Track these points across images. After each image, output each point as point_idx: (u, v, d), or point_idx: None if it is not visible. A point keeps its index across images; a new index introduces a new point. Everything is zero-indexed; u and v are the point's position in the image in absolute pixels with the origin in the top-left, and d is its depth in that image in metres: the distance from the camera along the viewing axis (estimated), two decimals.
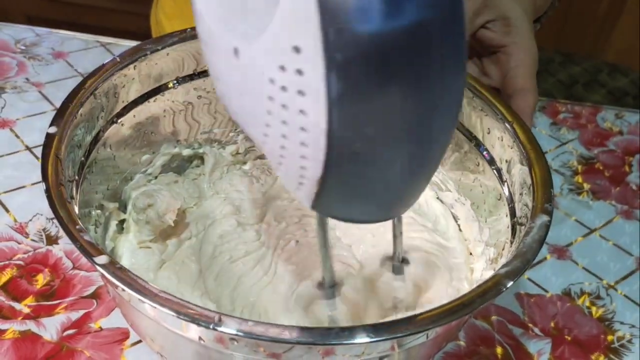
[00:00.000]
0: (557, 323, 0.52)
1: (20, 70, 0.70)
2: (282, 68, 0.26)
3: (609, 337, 0.52)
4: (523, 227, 0.39)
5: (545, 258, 0.58)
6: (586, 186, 0.66)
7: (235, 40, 0.27)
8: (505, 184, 0.45)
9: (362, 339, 0.31)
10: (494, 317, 0.52)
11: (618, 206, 0.64)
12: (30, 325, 0.47)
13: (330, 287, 0.41)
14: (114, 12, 1.56)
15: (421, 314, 0.32)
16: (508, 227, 0.43)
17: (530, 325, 0.52)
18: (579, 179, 0.66)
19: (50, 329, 0.47)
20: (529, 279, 0.55)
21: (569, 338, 0.51)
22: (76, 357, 0.45)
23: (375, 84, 0.25)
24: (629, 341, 0.52)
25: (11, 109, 0.65)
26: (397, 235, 0.42)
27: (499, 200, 0.46)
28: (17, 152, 0.60)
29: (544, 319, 0.52)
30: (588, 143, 0.71)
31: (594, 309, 0.54)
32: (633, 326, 0.53)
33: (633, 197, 0.65)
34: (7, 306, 0.48)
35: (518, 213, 0.42)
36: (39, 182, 0.58)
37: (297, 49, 0.25)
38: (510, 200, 0.44)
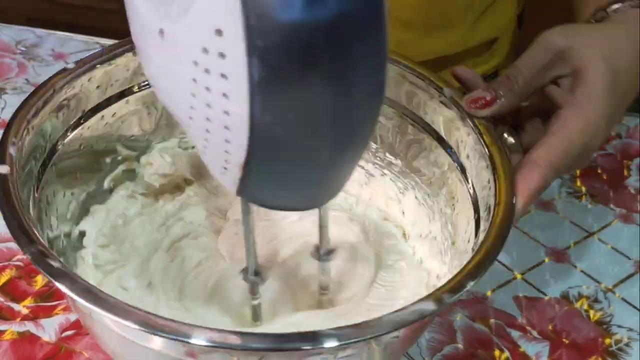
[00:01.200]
0: (555, 326, 0.52)
1: (20, 71, 0.70)
2: (205, 50, 0.26)
3: (607, 341, 0.52)
4: (486, 223, 0.39)
5: (543, 261, 0.58)
6: (585, 189, 0.66)
7: (161, 21, 0.28)
8: (470, 181, 0.45)
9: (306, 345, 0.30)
10: (492, 320, 0.52)
11: (616, 210, 0.64)
12: (29, 326, 0.47)
13: (253, 275, 0.40)
14: (114, 13, 1.56)
15: (385, 316, 0.32)
16: (469, 224, 0.43)
17: (529, 328, 0.52)
18: (578, 182, 0.67)
19: (49, 330, 0.47)
20: (527, 282, 0.55)
21: (567, 341, 0.51)
22: (75, 358, 0.45)
23: (295, 72, 0.26)
24: (627, 344, 0.52)
25: (11, 109, 0.63)
26: (322, 226, 0.41)
27: (461, 195, 0.46)
28: None
29: (542, 322, 0.52)
30: None
31: (592, 312, 0.54)
32: (631, 329, 0.53)
33: (632, 201, 0.65)
34: (6, 307, 0.48)
35: (482, 212, 0.42)
36: None
37: (219, 32, 0.25)
38: (474, 198, 0.43)
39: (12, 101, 0.66)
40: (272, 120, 0.27)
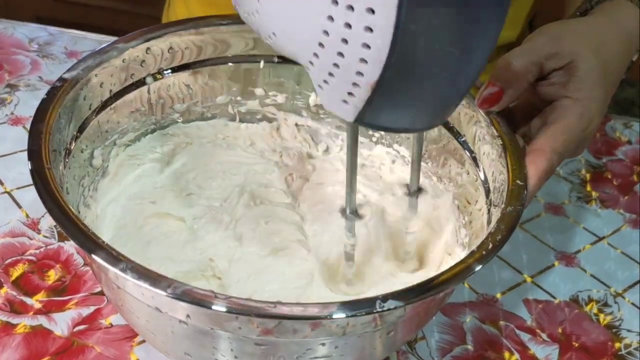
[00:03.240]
0: (565, 329, 0.52)
1: (33, 68, 0.71)
2: None
3: (617, 345, 0.52)
4: (497, 210, 0.41)
5: (553, 265, 0.58)
6: (595, 194, 0.66)
7: None
8: (482, 171, 0.46)
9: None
10: (502, 322, 0.52)
11: (626, 215, 0.64)
12: (42, 320, 0.47)
13: (351, 213, 0.41)
14: (124, 13, 1.57)
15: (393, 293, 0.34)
16: (482, 211, 0.44)
17: (538, 331, 0.52)
18: (588, 187, 0.67)
19: (61, 324, 0.47)
20: (537, 285, 0.56)
21: (577, 344, 0.51)
22: (86, 352, 0.45)
23: None
24: (636, 349, 0.52)
25: (24, 106, 0.66)
26: (415, 160, 0.42)
27: (476, 189, 0.47)
28: None
29: (552, 325, 0.52)
30: (597, 152, 0.72)
31: (601, 316, 0.54)
32: None
33: None
34: (19, 301, 0.48)
35: (493, 198, 0.43)
36: None
37: None
38: (486, 184, 0.45)
39: (25, 98, 0.67)
40: (415, 30, 0.28)
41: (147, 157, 0.52)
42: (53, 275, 0.50)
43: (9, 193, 0.56)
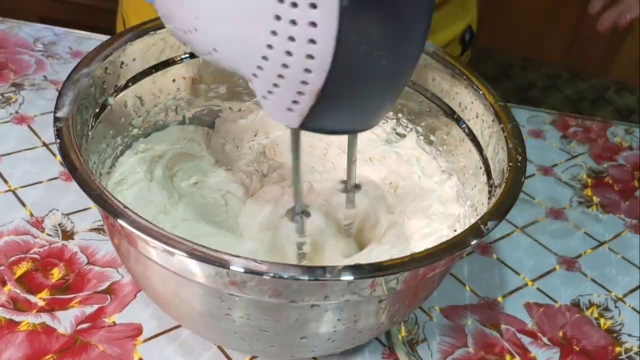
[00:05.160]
0: (566, 333, 0.53)
1: (38, 68, 0.71)
2: None
3: (617, 349, 0.52)
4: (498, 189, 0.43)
5: (554, 269, 0.58)
6: (595, 199, 0.66)
7: None
8: (484, 155, 0.48)
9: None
10: (503, 326, 0.52)
11: (627, 220, 0.64)
12: (45, 318, 0.47)
13: (299, 213, 0.43)
14: None
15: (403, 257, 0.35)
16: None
17: (539, 334, 0.52)
18: (589, 192, 0.67)
19: (64, 322, 0.47)
20: (538, 289, 0.56)
21: (577, 348, 0.52)
22: (90, 351, 0.46)
23: None
24: (637, 353, 0.52)
25: (29, 105, 0.66)
26: (351, 161, 0.45)
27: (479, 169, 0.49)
28: (35, 148, 0.61)
29: (553, 329, 0.53)
30: (598, 157, 0.72)
31: (602, 320, 0.54)
32: None
33: None
34: (23, 299, 0.48)
35: (494, 176, 0.45)
36: (56, 177, 0.58)
37: None
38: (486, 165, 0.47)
39: (30, 97, 0.67)
40: (355, 39, 0.30)
41: (131, 179, 0.51)
42: (57, 273, 0.50)
43: (13, 191, 0.57)
